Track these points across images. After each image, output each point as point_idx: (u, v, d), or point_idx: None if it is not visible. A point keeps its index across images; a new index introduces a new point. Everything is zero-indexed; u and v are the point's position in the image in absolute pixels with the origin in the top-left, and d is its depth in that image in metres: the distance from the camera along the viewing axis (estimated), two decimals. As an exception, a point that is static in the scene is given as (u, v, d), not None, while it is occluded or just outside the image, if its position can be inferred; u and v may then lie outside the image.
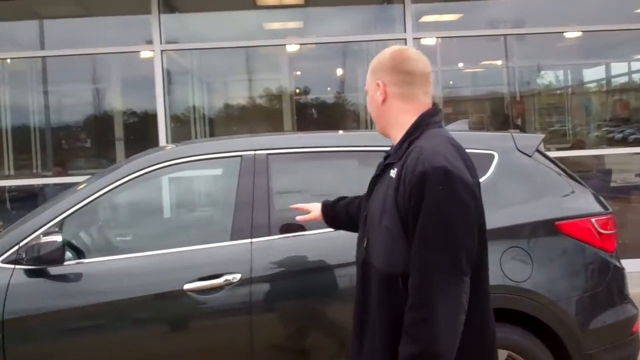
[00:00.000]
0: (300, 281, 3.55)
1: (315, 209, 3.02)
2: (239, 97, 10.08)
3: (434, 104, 2.28)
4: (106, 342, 3.45)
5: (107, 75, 9.20)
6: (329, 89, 10.49)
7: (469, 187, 2.06)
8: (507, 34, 9.03)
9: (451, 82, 11.68)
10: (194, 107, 9.05)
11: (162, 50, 7.64)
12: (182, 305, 3.45)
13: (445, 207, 2.01)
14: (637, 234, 8.12)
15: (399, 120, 2.25)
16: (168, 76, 7.84)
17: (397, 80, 2.24)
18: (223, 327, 3.51)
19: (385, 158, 2.32)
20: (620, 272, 3.87)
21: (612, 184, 8.44)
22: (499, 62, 9.98)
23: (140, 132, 8.85)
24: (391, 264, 2.09)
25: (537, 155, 3.98)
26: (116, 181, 3.65)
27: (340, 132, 4.31)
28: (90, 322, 3.45)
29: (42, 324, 3.41)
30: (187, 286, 3.43)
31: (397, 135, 2.27)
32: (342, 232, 3.60)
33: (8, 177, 8.69)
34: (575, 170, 3.99)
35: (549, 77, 11.00)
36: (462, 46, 8.97)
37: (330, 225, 3.02)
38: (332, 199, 3.09)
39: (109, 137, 9.01)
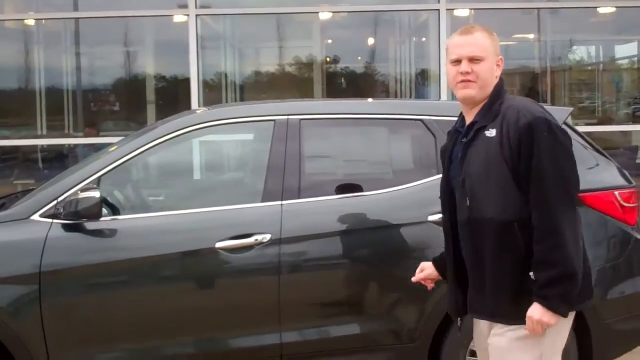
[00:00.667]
0: (329, 243, 3.63)
1: (427, 267, 2.98)
2: (270, 64, 10.13)
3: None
4: (138, 297, 3.57)
5: (140, 39, 9.29)
6: (359, 58, 10.50)
7: (565, 133, 2.45)
8: (541, 7, 8.95)
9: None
10: (225, 73, 9.12)
11: (196, 15, 7.69)
12: (213, 263, 3.55)
13: (554, 151, 2.36)
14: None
15: (493, 86, 2.55)
16: (201, 41, 7.90)
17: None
18: (252, 285, 3.61)
19: (470, 126, 2.55)
20: (637, 244, 3.90)
21: (638, 161, 8.40)
22: (531, 36, 9.90)
23: (172, 96, 8.96)
24: (506, 211, 2.40)
25: (564, 128, 3.99)
26: (150, 142, 3.73)
27: (370, 99, 4.36)
28: (124, 277, 3.57)
29: (77, 277, 3.52)
30: (218, 244, 3.53)
31: (481, 103, 2.55)
32: (369, 197, 3.70)
33: (40, 136, 8.86)
34: (602, 147, 4.01)
35: (580, 53, 10.89)
36: (494, 18, 8.91)
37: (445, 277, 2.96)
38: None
39: (140, 100, 9.13)
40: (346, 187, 3.82)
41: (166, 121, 3.98)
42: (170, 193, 4.36)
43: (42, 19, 8.81)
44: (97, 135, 8.66)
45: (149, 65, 9.23)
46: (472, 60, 2.49)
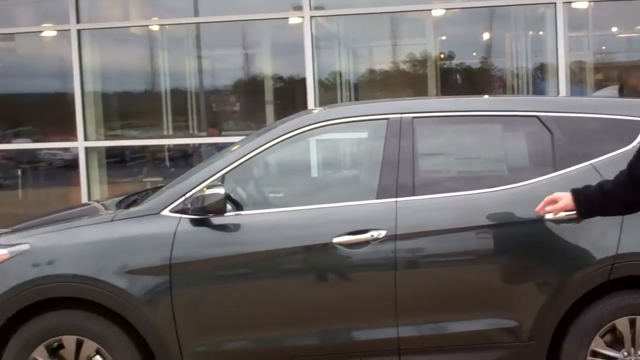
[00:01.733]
0: (443, 240, 3.69)
1: (563, 197, 3.03)
2: (383, 62, 10.17)
3: None
4: (260, 289, 3.74)
5: (258, 41, 9.57)
6: (474, 54, 10.37)
7: None
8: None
9: (603, 48, 11.18)
10: (339, 73, 9.26)
11: (311, 16, 7.88)
12: (330, 257, 3.68)
13: None
14: None
15: None
16: (316, 42, 8.07)
17: None
18: (368, 280, 3.72)
19: None
20: None
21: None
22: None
23: (289, 96, 9.19)
24: None
25: None
26: (270, 141, 3.90)
27: (485, 96, 4.36)
28: (246, 270, 3.75)
29: (204, 269, 3.74)
30: (336, 239, 3.65)
31: None
32: (483, 194, 3.72)
33: (166, 136, 9.33)
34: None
35: None
36: (615, 10, 8.60)
37: (581, 212, 3.05)
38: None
39: (258, 100, 9.41)
40: (460, 185, 3.86)
41: (285, 121, 4.15)
42: (289, 190, 4.53)
43: (165, 24, 9.25)
44: (219, 135, 9.02)
45: (266, 67, 9.49)
46: None
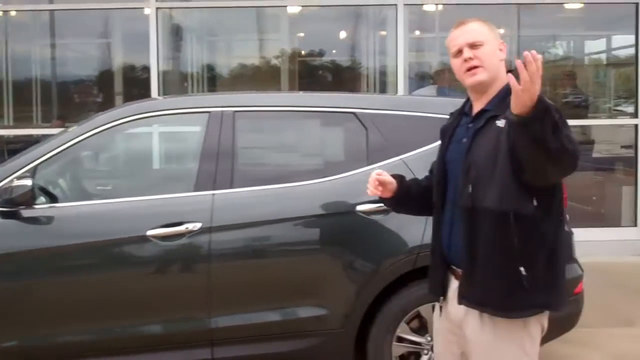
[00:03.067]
0: (258, 232, 3.77)
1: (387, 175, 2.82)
2: (239, 57, 10.18)
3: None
4: (69, 283, 3.69)
5: (108, 31, 9.32)
6: (327, 51, 10.58)
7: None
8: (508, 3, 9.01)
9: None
10: (189, 66, 9.19)
11: (157, 8, 7.76)
12: (144, 250, 3.67)
13: (565, 125, 2.27)
14: (609, 203, 8.27)
15: (500, 79, 2.53)
16: (163, 33, 7.97)
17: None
18: (183, 273, 3.75)
19: (480, 113, 2.55)
20: (567, 234, 4.03)
21: (596, 155, 8.56)
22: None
23: (137, 88, 9.00)
24: (504, 202, 2.38)
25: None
26: (84, 133, 3.85)
27: (306, 93, 4.49)
28: (58, 263, 3.68)
29: (10, 262, 3.65)
30: (149, 232, 3.64)
31: (492, 92, 2.55)
32: (299, 187, 3.82)
33: (7, 127, 8.90)
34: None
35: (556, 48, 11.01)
36: (460, 13, 9.05)
37: (396, 200, 2.84)
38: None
39: (107, 91, 9.16)
40: (277, 178, 3.94)
41: (103, 113, 4.09)
42: (107, 182, 4.48)
43: (11, 10, 8.83)
44: (64, 127, 8.69)
45: (117, 58, 9.24)
46: (473, 46, 2.52)
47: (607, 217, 8.13)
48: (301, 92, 4.52)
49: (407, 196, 2.81)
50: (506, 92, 2.42)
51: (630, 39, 8.04)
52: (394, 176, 2.80)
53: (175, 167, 4.82)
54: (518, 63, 2.12)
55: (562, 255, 2.52)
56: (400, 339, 3.83)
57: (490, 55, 2.53)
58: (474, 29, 2.56)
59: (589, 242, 6.93)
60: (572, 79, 9.42)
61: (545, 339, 3.98)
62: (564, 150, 2.20)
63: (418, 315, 3.85)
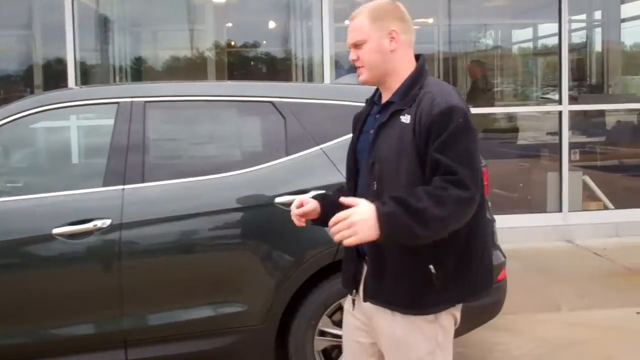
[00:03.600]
0: (172, 227, 3.61)
1: (308, 202, 2.66)
2: (162, 48, 9.98)
3: (420, 54, 2.45)
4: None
5: (28, 22, 8.96)
6: (264, 42, 10.46)
7: (473, 122, 2.31)
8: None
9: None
10: (111, 57, 8.94)
11: (73, -4, 7.48)
12: (51, 250, 3.49)
13: (463, 136, 2.25)
14: (535, 189, 8.39)
15: (404, 68, 2.39)
16: (80, 23, 7.69)
17: (406, 28, 2.40)
18: (92, 272, 3.57)
19: (386, 106, 2.43)
20: (489, 222, 4.01)
21: (522, 142, 8.69)
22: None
23: (57, 79, 8.69)
24: None
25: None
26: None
27: (222, 82, 4.34)
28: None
29: None
30: (55, 230, 3.45)
31: (395, 84, 2.42)
32: (215, 180, 3.68)
33: None
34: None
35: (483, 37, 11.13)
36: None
37: (323, 220, 2.61)
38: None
39: (27, 84, 8.83)
40: (192, 171, 3.79)
41: (4, 106, 3.87)
42: (9, 179, 4.24)
43: None
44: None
45: (34, 50, 8.91)
46: (356, 46, 2.43)
47: (533, 203, 8.24)
48: (218, 82, 4.35)
49: (334, 211, 2.70)
50: (410, 84, 2.38)
51: (554, 27, 8.14)
52: (315, 197, 2.69)
53: (84, 162, 4.60)
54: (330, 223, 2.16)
55: (478, 247, 2.42)
56: (323, 333, 3.75)
57: (371, 53, 2.39)
58: (356, 27, 2.43)
59: (515, 228, 7.05)
60: (481, 68, 9.56)
61: (470, 327, 4.01)
62: (437, 233, 2.20)
63: (340, 308, 3.76)
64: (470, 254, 2.40)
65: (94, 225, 3.49)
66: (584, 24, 10.70)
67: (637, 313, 5.17)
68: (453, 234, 2.28)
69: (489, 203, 4.11)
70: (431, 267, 2.32)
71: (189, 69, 9.78)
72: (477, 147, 2.30)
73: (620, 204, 8.05)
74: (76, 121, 4.50)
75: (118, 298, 3.52)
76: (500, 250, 4.07)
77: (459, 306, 2.49)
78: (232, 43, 10.35)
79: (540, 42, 11.10)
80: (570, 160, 7.83)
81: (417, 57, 2.47)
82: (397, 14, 2.43)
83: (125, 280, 3.53)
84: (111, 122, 3.72)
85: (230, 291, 3.66)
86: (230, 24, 10.36)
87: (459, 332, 3.94)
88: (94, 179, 3.67)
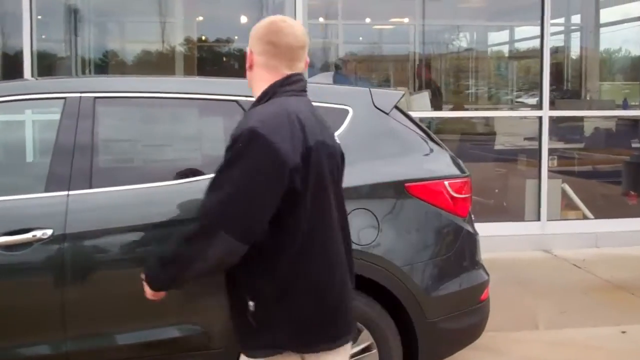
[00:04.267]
0: (121, 239, 3.23)
1: None
2: (129, 40, 9.63)
3: (294, 74, 2.31)
4: None
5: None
6: (236, 37, 10.16)
7: (273, 152, 2.09)
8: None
9: (360, 38, 11.47)
10: (71, 48, 8.53)
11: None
12: (-16, 262, 3.09)
13: (238, 162, 2.10)
14: (512, 196, 8.15)
15: (261, 88, 2.31)
16: (41, 11, 7.27)
17: (262, 50, 2.30)
18: (31, 288, 3.17)
19: None
20: (472, 237, 3.72)
21: (499, 147, 8.44)
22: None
23: (15, 72, 8.27)
24: None
25: (395, 112, 3.75)
26: None
27: (183, 77, 3.97)
28: None
29: None
30: (-11, 241, 3.06)
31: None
32: (175, 186, 3.33)
33: None
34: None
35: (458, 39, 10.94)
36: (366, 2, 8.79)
37: None
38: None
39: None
40: (146, 176, 3.41)
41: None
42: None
43: None
44: None
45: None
46: None
47: (510, 211, 7.97)
48: (178, 77, 3.97)
49: None
50: (252, 105, 2.30)
51: (535, 30, 7.89)
52: None
53: (24, 164, 4.18)
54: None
55: (314, 280, 2.20)
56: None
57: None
58: None
59: (492, 237, 6.76)
60: (428, 71, 9.45)
61: (452, 350, 3.72)
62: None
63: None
64: (297, 290, 2.19)
65: (33, 236, 3.09)
66: (562, 28, 10.53)
67: (623, 332, 4.90)
68: (270, 268, 2.16)
69: (472, 216, 3.82)
70: (251, 304, 2.19)
71: (157, 63, 9.45)
72: (251, 175, 2.11)
73: (600, 213, 7.81)
74: (22, 116, 4.06)
75: (60, 318, 3.13)
76: (483, 268, 3.78)
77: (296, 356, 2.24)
78: (203, 38, 10.04)
79: (516, 46, 10.94)
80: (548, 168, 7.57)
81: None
82: (259, 34, 2.31)
83: (69, 297, 3.14)
84: (57, 119, 3.32)
85: (185, 312, 3.28)
86: (201, 18, 10.03)
87: (441, 355, 3.69)
88: (37, 183, 3.27)
